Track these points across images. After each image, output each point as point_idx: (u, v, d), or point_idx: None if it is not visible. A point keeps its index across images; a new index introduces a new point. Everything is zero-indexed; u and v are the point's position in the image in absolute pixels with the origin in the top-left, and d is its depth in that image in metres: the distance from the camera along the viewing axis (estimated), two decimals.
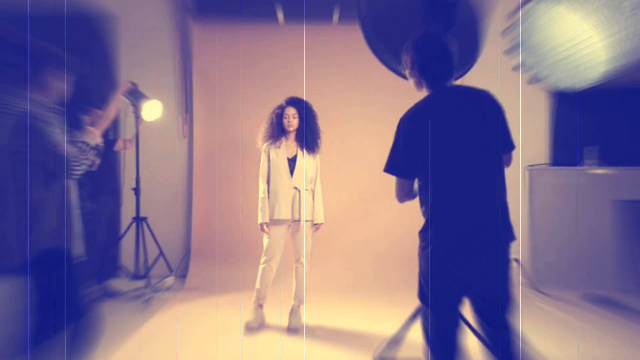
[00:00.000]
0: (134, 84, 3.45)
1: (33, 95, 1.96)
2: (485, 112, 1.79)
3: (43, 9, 4.39)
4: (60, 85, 2.08)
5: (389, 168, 1.87)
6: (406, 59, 1.94)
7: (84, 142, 2.08)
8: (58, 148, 1.91)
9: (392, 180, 1.90)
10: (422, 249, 1.82)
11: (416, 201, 1.95)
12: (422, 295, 1.84)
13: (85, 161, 2.04)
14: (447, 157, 1.75)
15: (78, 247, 2.05)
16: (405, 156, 1.81)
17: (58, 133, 1.92)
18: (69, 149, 1.96)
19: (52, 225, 1.93)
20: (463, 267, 1.73)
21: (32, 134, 1.86)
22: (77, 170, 1.99)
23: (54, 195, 1.96)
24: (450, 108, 1.78)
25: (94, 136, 2.18)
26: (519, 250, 4.27)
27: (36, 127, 1.87)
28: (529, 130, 4.50)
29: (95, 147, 2.14)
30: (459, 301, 1.80)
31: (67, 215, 2.01)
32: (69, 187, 2.04)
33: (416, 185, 1.91)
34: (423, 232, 1.82)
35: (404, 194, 1.91)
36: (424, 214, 1.84)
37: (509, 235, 1.78)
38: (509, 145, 1.87)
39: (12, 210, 1.88)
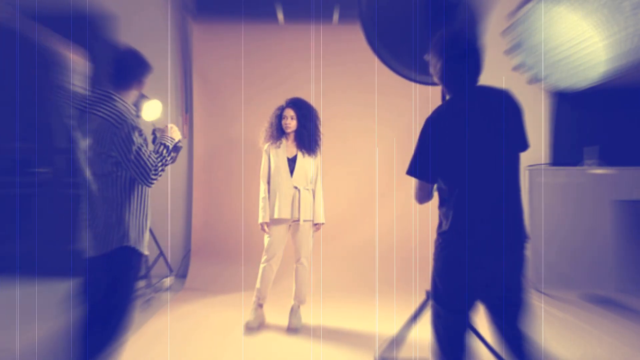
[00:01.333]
0: None
1: (121, 97, 2.01)
2: (505, 112, 1.78)
3: (43, 9, 4.39)
4: (140, 88, 2.14)
5: (412, 171, 1.84)
6: (433, 60, 1.90)
7: (165, 146, 2.11)
8: (141, 157, 1.94)
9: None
10: (442, 249, 1.81)
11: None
12: (436, 295, 1.84)
13: (162, 168, 2.06)
14: (471, 159, 1.74)
15: (145, 245, 2.13)
16: (429, 160, 1.79)
17: (138, 138, 1.95)
18: (151, 158, 1.99)
19: (128, 224, 2.00)
20: (481, 269, 1.73)
21: (119, 138, 1.90)
22: (154, 179, 2.02)
23: (135, 195, 2.03)
24: (472, 109, 1.77)
25: (176, 134, 2.21)
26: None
27: (124, 132, 1.91)
28: (529, 130, 4.48)
29: (175, 147, 2.18)
30: (472, 303, 1.80)
31: (145, 215, 2.08)
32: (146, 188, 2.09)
33: (435, 186, 1.90)
34: (444, 233, 1.81)
35: (424, 196, 1.89)
36: (444, 214, 1.83)
37: (523, 235, 1.78)
38: (524, 145, 1.86)
39: (97, 206, 1.97)
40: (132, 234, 2.01)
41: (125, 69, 2.05)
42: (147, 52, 4.73)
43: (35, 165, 4.63)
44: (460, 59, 1.81)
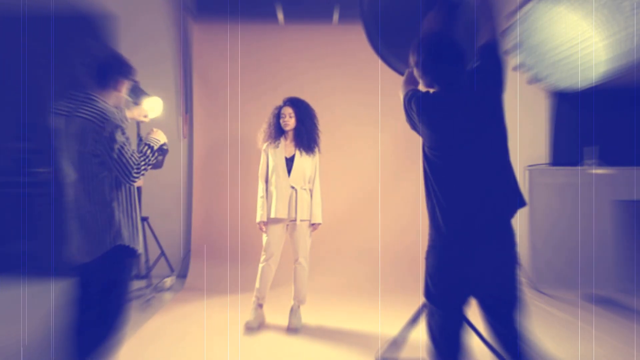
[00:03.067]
0: (135, 81, 3.45)
1: (101, 98, 2.03)
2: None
3: (43, 9, 4.39)
4: (123, 91, 2.16)
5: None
6: (414, 58, 1.91)
7: (149, 147, 2.13)
8: (123, 156, 1.96)
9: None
10: (430, 247, 1.83)
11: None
12: (429, 293, 1.84)
13: (145, 167, 2.08)
14: (454, 156, 1.75)
15: (139, 243, 2.13)
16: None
17: (121, 137, 1.97)
18: (134, 157, 2.01)
19: (120, 223, 2.01)
20: (471, 266, 1.73)
21: (101, 137, 1.93)
22: (136, 177, 2.03)
23: (122, 193, 2.04)
24: (458, 106, 1.78)
25: (161, 136, 2.24)
26: (518, 249, 4.27)
27: (107, 131, 1.93)
28: (529, 130, 4.50)
29: (160, 149, 2.19)
30: (465, 300, 1.80)
31: (136, 213, 2.10)
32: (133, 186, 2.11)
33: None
34: (432, 232, 1.82)
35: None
36: (431, 212, 1.84)
37: (519, 201, 1.78)
38: (499, 87, 1.85)
39: (85, 208, 1.97)
40: (125, 232, 2.02)
41: (102, 70, 2.06)
42: (147, 52, 4.76)
43: (35, 165, 4.63)
44: (442, 58, 1.83)
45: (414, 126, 1.92)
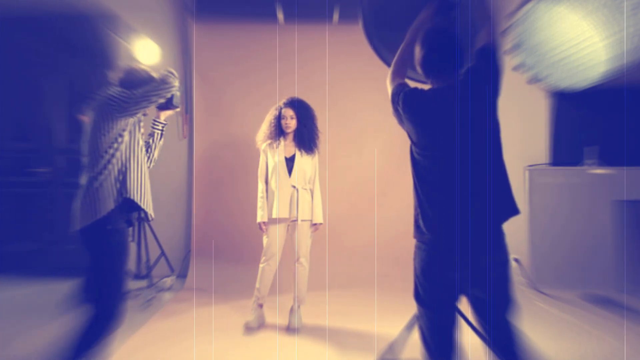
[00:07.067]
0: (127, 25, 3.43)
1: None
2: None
3: (43, 8, 4.39)
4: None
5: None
6: (421, 51, 1.90)
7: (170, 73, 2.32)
8: (145, 93, 2.21)
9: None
10: (417, 249, 1.82)
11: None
12: (418, 295, 1.83)
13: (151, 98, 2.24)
14: (440, 158, 1.74)
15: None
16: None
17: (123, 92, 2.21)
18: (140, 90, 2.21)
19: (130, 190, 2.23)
20: (457, 268, 1.72)
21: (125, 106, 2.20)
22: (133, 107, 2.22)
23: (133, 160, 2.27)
24: (452, 104, 1.77)
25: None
26: (519, 250, 4.27)
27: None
28: (529, 130, 4.49)
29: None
30: (454, 301, 1.79)
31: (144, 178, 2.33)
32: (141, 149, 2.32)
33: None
34: (417, 233, 1.81)
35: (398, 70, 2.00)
36: (418, 215, 1.83)
37: (511, 210, 1.76)
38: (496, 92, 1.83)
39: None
40: (131, 185, 2.23)
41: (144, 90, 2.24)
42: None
43: (35, 165, 4.63)
44: (440, 54, 1.82)
45: (400, 121, 1.91)
